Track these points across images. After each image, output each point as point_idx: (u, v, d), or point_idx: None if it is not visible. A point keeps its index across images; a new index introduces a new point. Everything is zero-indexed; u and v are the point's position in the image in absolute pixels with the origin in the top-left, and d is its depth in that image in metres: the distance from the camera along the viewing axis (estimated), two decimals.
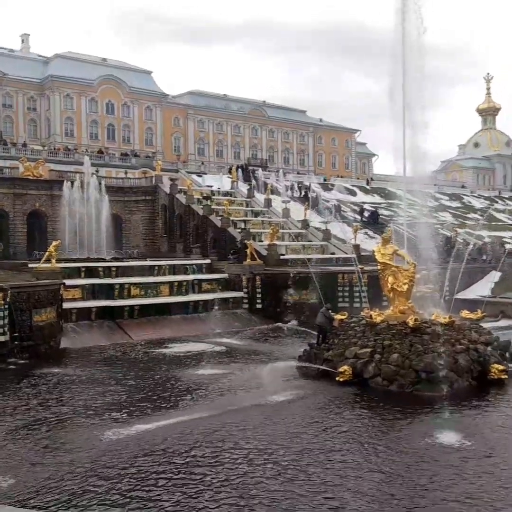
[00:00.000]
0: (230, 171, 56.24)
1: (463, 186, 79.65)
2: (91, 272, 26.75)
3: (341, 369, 15.35)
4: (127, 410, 13.34)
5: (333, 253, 37.76)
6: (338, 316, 18.02)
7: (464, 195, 71.60)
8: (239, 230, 35.59)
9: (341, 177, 72.04)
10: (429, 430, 11.42)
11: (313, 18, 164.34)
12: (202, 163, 64.34)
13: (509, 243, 45.38)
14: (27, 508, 7.81)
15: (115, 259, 31.29)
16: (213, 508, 8.25)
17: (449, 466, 9.75)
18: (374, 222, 45.69)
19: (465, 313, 18.07)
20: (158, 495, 8.70)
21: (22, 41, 71.91)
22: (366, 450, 10.50)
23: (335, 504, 8.39)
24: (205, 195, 41.64)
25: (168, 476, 9.38)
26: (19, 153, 46.59)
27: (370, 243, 38.03)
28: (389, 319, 16.78)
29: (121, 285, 26.16)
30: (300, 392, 14.64)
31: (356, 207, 52.49)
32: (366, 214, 49.42)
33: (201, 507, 8.30)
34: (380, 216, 47.92)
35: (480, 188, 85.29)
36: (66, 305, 22.67)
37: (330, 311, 18.06)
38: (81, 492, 8.76)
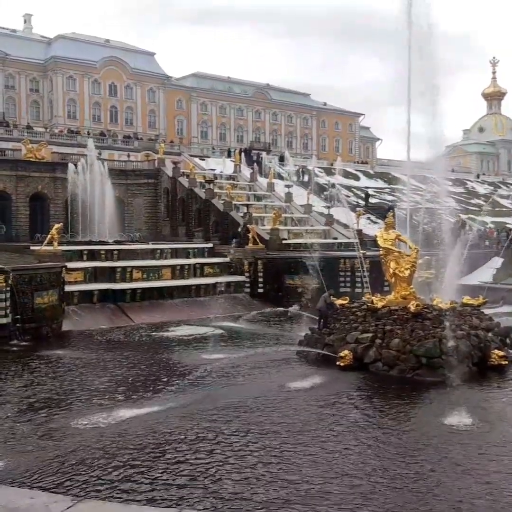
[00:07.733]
0: (228, 154, 55.91)
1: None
2: (93, 255, 26.80)
3: (341, 354, 15.38)
4: (128, 393, 13.38)
5: (335, 238, 37.73)
6: (339, 301, 18.04)
7: (468, 180, 71.02)
8: (242, 214, 35.53)
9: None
10: (434, 414, 11.49)
11: (319, 2, 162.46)
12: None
13: None
14: (26, 489, 7.84)
15: (117, 242, 31.26)
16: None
17: (459, 448, 9.83)
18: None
19: (466, 299, 18.07)
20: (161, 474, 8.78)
21: (25, 21, 71.30)
22: (372, 433, 10.55)
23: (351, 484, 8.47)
24: (207, 178, 41.51)
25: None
26: (21, 135, 46.43)
27: (372, 228, 37.94)
28: (390, 304, 16.79)
29: (123, 268, 26.21)
30: (301, 376, 14.66)
31: (359, 192, 52.27)
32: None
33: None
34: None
35: (485, 173, 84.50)
36: (68, 288, 22.73)
37: (331, 296, 18.06)
38: (79, 474, 8.81)
